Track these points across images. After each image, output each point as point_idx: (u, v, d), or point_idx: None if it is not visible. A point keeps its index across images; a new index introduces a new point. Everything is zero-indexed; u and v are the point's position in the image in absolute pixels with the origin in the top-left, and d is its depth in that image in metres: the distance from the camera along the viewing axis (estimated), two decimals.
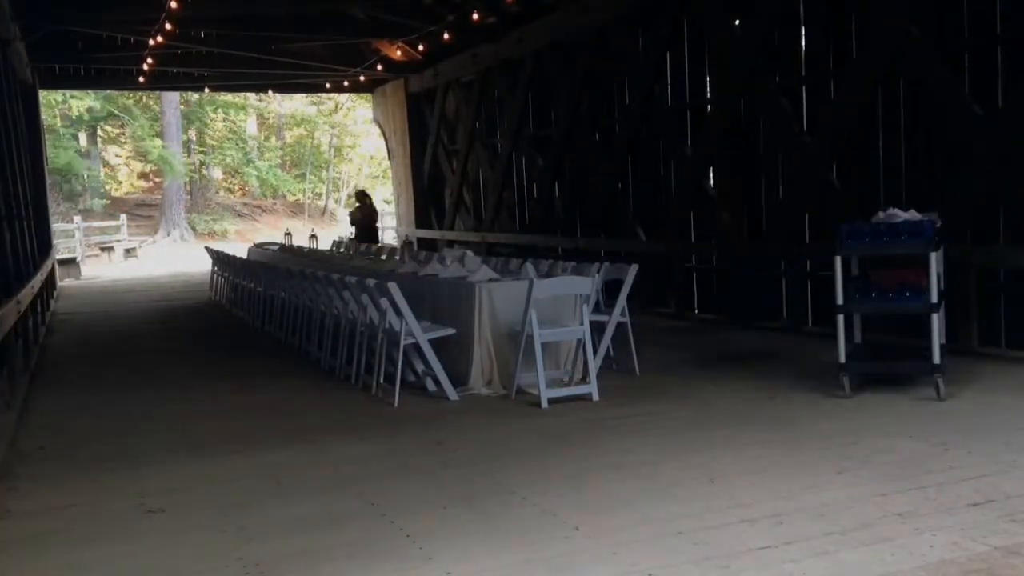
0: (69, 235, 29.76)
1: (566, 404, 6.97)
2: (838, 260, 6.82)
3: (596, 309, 8.07)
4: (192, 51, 18.17)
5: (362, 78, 20.98)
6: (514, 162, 16.59)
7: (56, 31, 16.25)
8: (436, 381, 7.49)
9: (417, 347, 7.43)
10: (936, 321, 6.59)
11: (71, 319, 14.73)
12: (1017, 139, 7.89)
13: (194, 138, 39.20)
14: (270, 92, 28.17)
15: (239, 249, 20.17)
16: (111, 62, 18.67)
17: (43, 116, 22.10)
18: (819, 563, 3.81)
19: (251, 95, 38.22)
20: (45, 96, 27.86)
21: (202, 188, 39.34)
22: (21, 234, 11.99)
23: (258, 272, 12.79)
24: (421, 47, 17.79)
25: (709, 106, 11.66)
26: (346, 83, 21.53)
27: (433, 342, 7.46)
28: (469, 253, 9.48)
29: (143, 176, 40.50)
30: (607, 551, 4.05)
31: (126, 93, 33.07)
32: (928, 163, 8.93)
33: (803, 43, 10.26)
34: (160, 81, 20.83)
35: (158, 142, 35.67)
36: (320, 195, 43.36)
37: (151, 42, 15.69)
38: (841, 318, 6.84)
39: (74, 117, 34.42)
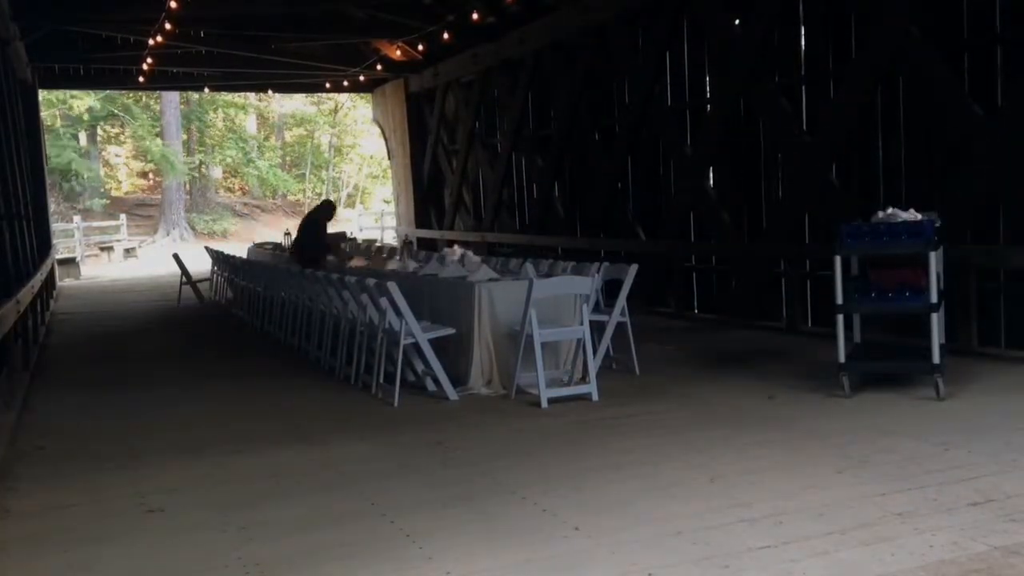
0: (69, 235, 29.79)
1: (566, 404, 6.97)
2: (838, 260, 6.82)
3: (596, 309, 8.07)
4: (192, 51, 18.16)
5: (362, 78, 20.98)
6: (514, 162, 16.59)
7: (56, 31, 16.25)
8: (436, 381, 7.49)
9: (417, 347, 7.43)
10: (936, 321, 6.59)
11: (71, 319, 14.73)
12: (1017, 139, 7.89)
13: (194, 137, 39.19)
14: (270, 92, 28.17)
15: (239, 249, 20.16)
16: (111, 62, 18.67)
17: (43, 116, 22.09)
18: (819, 563, 3.81)
19: (251, 94, 38.24)
20: (45, 96, 27.89)
21: (202, 188, 39.32)
22: (21, 234, 11.99)
23: (258, 272, 12.79)
24: (421, 47, 17.77)
25: (709, 106, 11.66)
26: (346, 83, 21.51)
27: (433, 342, 7.45)
28: (469, 253, 9.48)
29: (143, 175, 40.52)
30: (607, 551, 4.05)
31: (126, 93, 33.06)
32: (928, 163, 8.93)
33: (803, 43, 10.26)
34: (160, 81, 20.84)
35: (158, 142, 35.68)
36: (320, 195, 43.33)
37: (151, 42, 15.68)
38: (841, 318, 6.84)
39: (74, 117, 34.41)
